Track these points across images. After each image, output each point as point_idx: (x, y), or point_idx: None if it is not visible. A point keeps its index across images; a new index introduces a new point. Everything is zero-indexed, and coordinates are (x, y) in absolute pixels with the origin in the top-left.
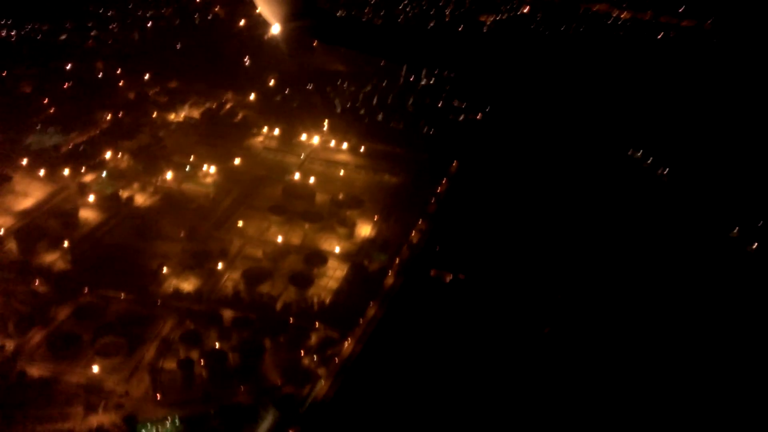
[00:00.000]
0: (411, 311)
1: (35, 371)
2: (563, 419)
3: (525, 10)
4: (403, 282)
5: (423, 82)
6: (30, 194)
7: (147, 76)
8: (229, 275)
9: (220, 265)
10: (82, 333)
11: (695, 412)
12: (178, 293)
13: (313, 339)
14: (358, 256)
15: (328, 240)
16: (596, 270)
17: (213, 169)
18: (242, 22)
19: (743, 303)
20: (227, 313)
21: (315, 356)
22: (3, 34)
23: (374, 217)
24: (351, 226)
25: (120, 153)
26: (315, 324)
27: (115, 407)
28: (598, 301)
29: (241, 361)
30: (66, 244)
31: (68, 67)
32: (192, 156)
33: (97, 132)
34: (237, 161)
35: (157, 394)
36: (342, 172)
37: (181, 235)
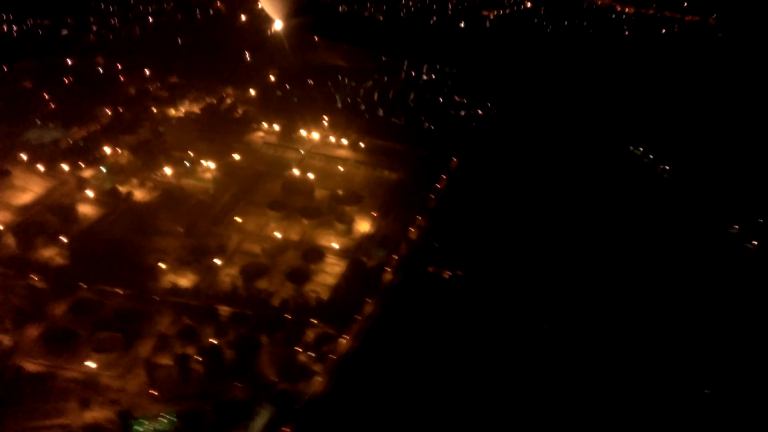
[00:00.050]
0: (409, 308)
1: (31, 366)
2: (561, 416)
3: (528, 5)
4: (401, 279)
5: (424, 78)
6: (29, 189)
7: (147, 72)
8: (226, 271)
9: (218, 261)
10: (78, 328)
11: (693, 408)
12: (175, 289)
13: (310, 335)
14: (356, 253)
15: (327, 236)
16: (595, 267)
17: (212, 165)
18: (243, 18)
19: (743, 300)
20: (224, 309)
21: (311, 353)
22: (4, 29)
23: (373, 214)
24: (350, 222)
25: (119, 148)
26: (312, 320)
27: (111, 403)
28: (597, 297)
29: (237, 358)
30: (64, 239)
31: (69, 62)
32: (192, 151)
33: (97, 127)
34: (237, 157)
35: (153, 390)
36: (341, 168)
37: (180, 230)
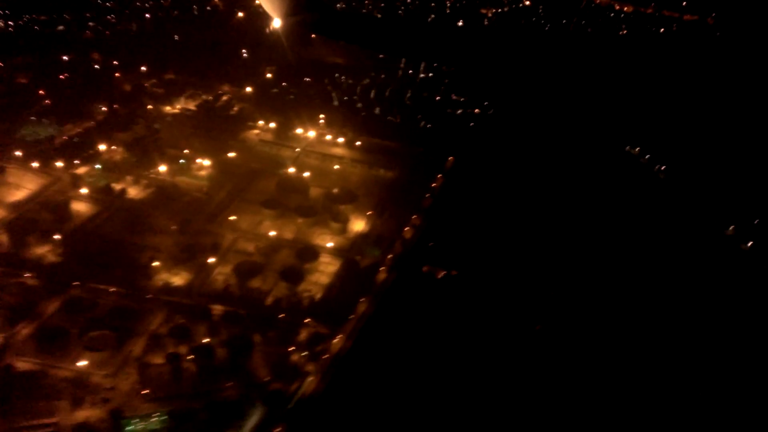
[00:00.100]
0: (402, 307)
1: (22, 365)
2: (554, 416)
3: (526, 3)
4: (395, 278)
5: (422, 76)
6: (23, 186)
7: (144, 68)
8: (220, 269)
9: (211, 259)
10: (70, 327)
11: (688, 409)
12: (168, 287)
13: (303, 335)
14: (350, 252)
15: (321, 235)
16: (590, 267)
17: (207, 162)
18: (240, 14)
19: (738, 301)
20: (217, 308)
21: (304, 352)
22: (1, 24)
23: (368, 212)
24: (344, 221)
25: (114, 145)
26: (305, 319)
27: (102, 401)
28: (591, 298)
29: (230, 357)
30: (57, 236)
31: (65, 58)
32: (187, 149)
33: (92, 124)
34: (232, 154)
35: (145, 389)
36: (337, 166)
37: (174, 228)
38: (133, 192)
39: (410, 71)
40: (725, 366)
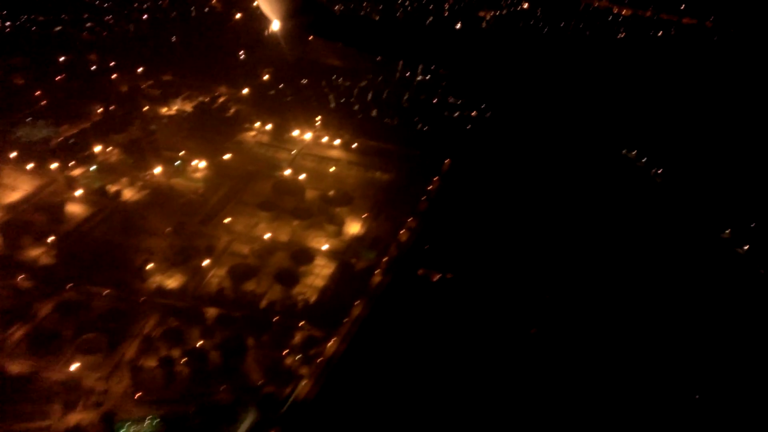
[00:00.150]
0: (397, 310)
1: (15, 368)
2: (549, 419)
3: (524, 6)
4: (390, 281)
5: (419, 79)
6: (17, 187)
7: (140, 69)
8: (214, 272)
9: (206, 262)
10: (63, 329)
11: (685, 412)
12: (162, 290)
13: (297, 338)
14: (346, 254)
15: (317, 237)
16: (586, 270)
17: (203, 164)
18: (238, 15)
19: (734, 304)
20: (211, 311)
21: (298, 355)
22: None
23: (364, 215)
24: (340, 224)
25: (110, 146)
26: (299, 323)
27: (94, 405)
28: (587, 301)
29: (223, 360)
30: (51, 238)
31: (62, 59)
32: (182, 150)
33: (88, 125)
34: (228, 156)
35: (137, 393)
36: (333, 169)
37: (168, 230)
38: (129, 194)
39: (407, 74)
40: (722, 369)
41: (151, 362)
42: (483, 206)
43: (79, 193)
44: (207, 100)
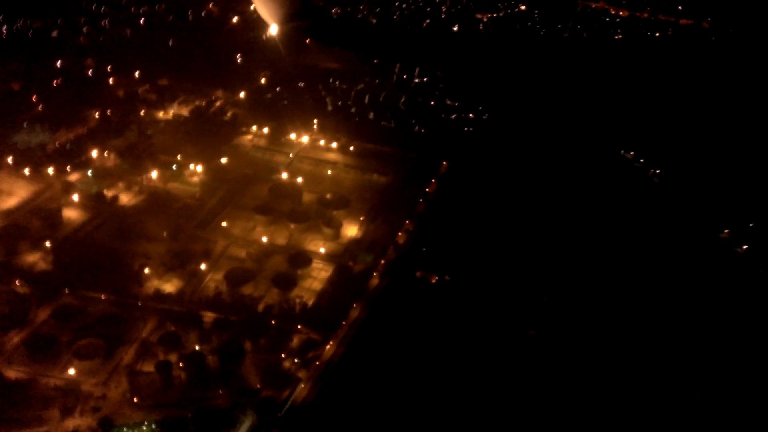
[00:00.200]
0: (395, 313)
1: (12, 373)
2: (548, 421)
3: (522, 8)
4: (388, 283)
5: (416, 81)
6: (14, 193)
7: (137, 74)
8: (211, 276)
9: (203, 266)
10: (60, 335)
11: (683, 413)
12: (159, 294)
13: (295, 341)
14: (343, 257)
15: (314, 240)
16: (584, 272)
17: (200, 168)
18: (235, 19)
19: (733, 304)
20: (208, 315)
21: (296, 359)
22: None
23: (361, 218)
24: (337, 227)
25: (106, 151)
26: (297, 326)
27: (92, 410)
28: (586, 303)
29: (221, 364)
30: (48, 244)
31: (58, 64)
32: (179, 154)
33: (84, 130)
34: (224, 160)
35: (135, 397)
36: (330, 172)
37: (165, 235)
38: (125, 198)
39: (404, 76)
40: (721, 370)
41: (148, 367)
42: (480, 208)
43: (75, 198)
44: (204, 104)
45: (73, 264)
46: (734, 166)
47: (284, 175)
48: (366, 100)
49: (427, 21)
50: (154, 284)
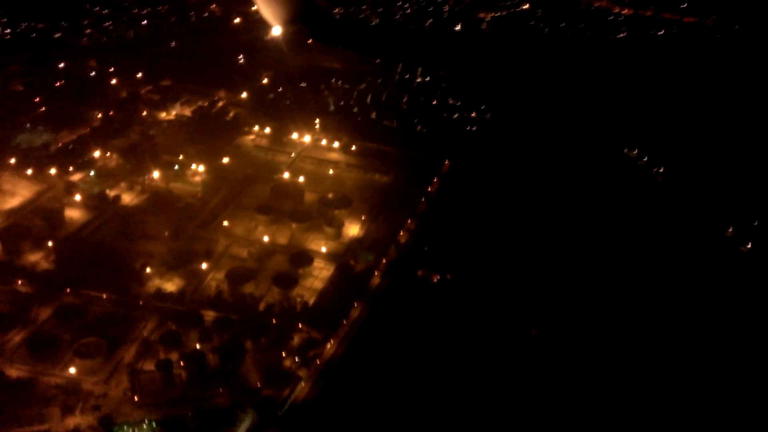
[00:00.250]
0: (396, 312)
1: (14, 372)
2: (550, 420)
3: (525, 7)
4: (389, 282)
5: (418, 81)
6: (17, 193)
7: (140, 74)
8: (213, 275)
9: (204, 265)
10: (62, 334)
11: (686, 412)
12: (160, 294)
13: (296, 340)
14: (344, 257)
15: (315, 240)
16: (587, 271)
17: (202, 168)
18: (238, 20)
19: (737, 303)
20: (209, 314)
21: (296, 358)
22: None
23: (362, 217)
24: (339, 226)
25: (109, 152)
26: (298, 325)
27: (93, 409)
28: (588, 302)
29: (221, 363)
30: (50, 243)
31: (61, 65)
32: (181, 154)
33: (87, 131)
34: (226, 160)
35: (135, 396)
36: (332, 171)
37: (167, 234)
38: (128, 198)
39: (407, 76)
40: (724, 368)
41: (149, 365)
42: (482, 207)
43: (78, 198)
44: (206, 104)
45: (74, 263)
46: (738, 165)
47: (286, 175)
48: (368, 99)
49: (430, 20)
50: (156, 283)
